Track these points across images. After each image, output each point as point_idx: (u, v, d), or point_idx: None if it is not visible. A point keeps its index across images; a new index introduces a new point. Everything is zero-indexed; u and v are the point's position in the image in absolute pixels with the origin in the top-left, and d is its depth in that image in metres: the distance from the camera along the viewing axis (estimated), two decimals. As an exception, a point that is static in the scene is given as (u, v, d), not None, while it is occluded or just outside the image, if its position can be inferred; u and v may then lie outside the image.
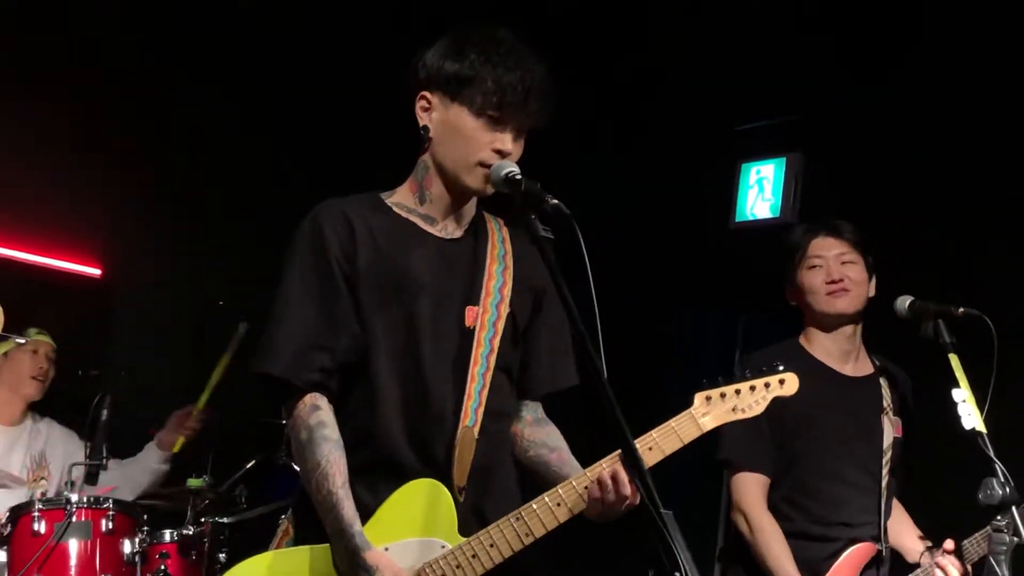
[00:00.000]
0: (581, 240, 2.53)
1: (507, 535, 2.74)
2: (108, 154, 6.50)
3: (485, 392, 2.89)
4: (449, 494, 2.79)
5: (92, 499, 5.05)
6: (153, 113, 6.55)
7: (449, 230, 2.98)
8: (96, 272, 6.80)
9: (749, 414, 2.93)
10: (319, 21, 6.59)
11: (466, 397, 2.86)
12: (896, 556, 4.16)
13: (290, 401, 2.86)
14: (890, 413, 4.15)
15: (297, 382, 2.84)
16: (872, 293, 4.17)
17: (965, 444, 3.58)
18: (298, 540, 2.92)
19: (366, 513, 2.79)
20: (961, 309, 3.69)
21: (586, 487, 2.76)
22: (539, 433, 3.08)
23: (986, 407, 3.44)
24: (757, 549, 3.96)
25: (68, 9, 6.27)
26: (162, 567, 5.12)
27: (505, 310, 2.95)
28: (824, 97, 6.02)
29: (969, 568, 3.95)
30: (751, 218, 6.37)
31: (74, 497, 5.02)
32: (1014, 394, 3.50)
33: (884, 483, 4.09)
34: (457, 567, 2.74)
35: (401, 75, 2.99)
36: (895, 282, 4.07)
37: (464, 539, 2.77)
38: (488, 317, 2.92)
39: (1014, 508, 3.31)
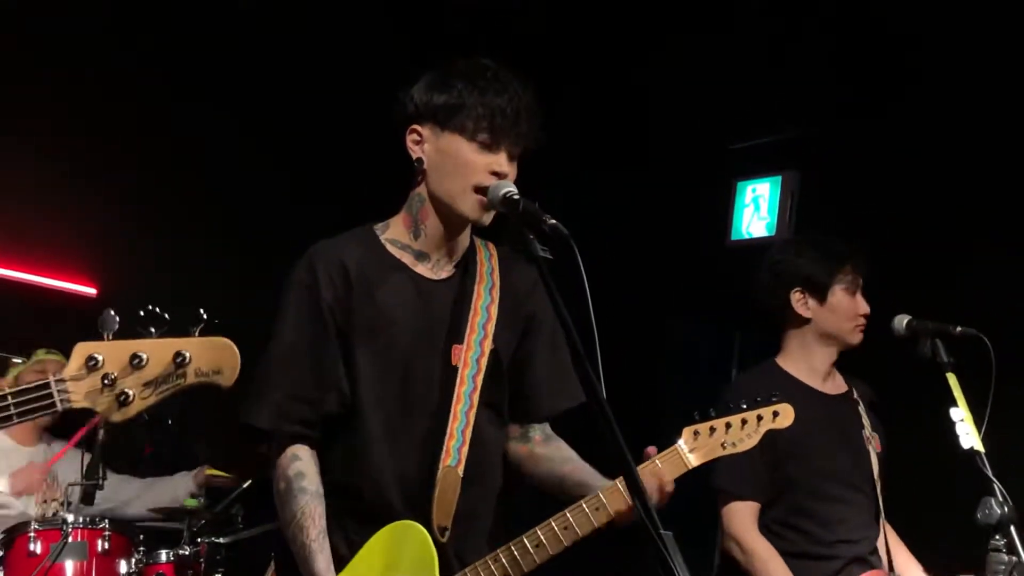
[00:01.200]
0: (579, 260, 2.53)
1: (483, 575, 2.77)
2: (104, 174, 6.50)
3: (469, 431, 2.90)
4: (427, 534, 2.80)
5: (88, 519, 5.04)
6: (149, 134, 6.55)
7: (441, 265, 2.99)
8: (92, 291, 6.79)
9: (740, 448, 2.90)
10: (318, 44, 6.60)
11: (448, 436, 2.87)
12: None
13: (272, 451, 2.89)
14: (868, 429, 4.15)
15: (279, 434, 2.87)
16: None
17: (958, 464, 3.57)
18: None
19: (344, 560, 2.81)
20: (959, 328, 3.69)
21: (565, 527, 2.77)
22: (549, 449, 3.11)
23: (984, 426, 3.44)
24: (755, 572, 3.93)
25: (65, 29, 6.27)
26: (158, 587, 5.11)
27: (489, 346, 2.95)
28: (820, 115, 6.03)
29: None
30: (747, 236, 6.38)
31: (70, 517, 5.01)
32: (1011, 413, 3.49)
33: (879, 498, 4.08)
34: None
35: (391, 103, 3.00)
36: (891, 300, 4.07)
37: None
38: (472, 354, 2.93)
39: (1012, 527, 3.31)
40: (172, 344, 2.24)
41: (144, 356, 2.20)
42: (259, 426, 2.87)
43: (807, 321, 4.11)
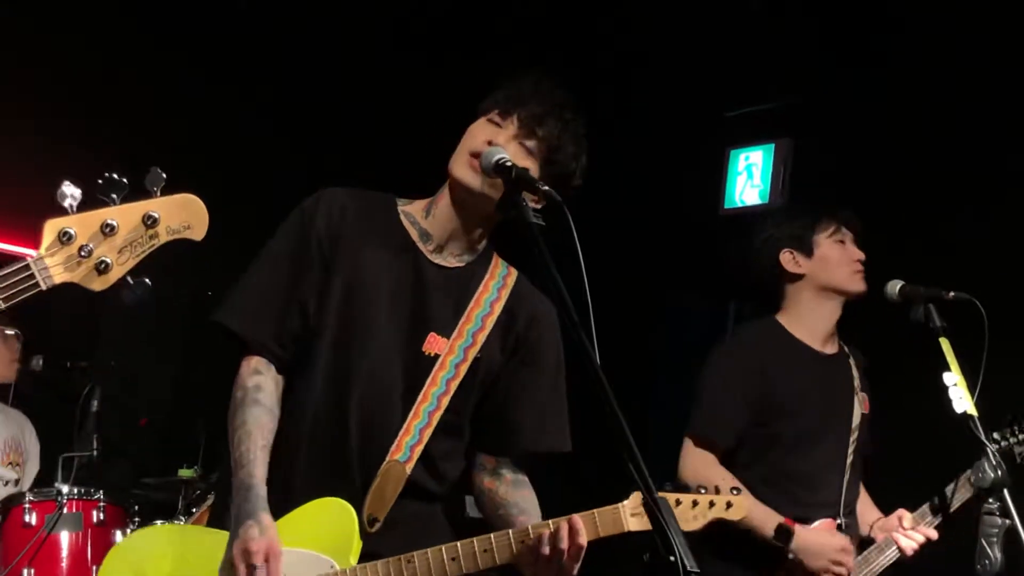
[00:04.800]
0: (573, 226, 2.52)
1: (394, 573, 2.72)
2: (99, 147, 6.48)
3: (428, 431, 2.86)
4: (355, 520, 2.76)
5: (83, 490, 5.05)
6: (144, 107, 6.54)
7: (443, 253, 2.95)
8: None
9: (684, 528, 2.67)
10: (323, 31, 6.58)
11: (403, 431, 2.84)
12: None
13: (240, 360, 2.88)
14: (858, 390, 4.16)
15: (249, 340, 2.86)
16: None
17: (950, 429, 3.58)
18: (210, 521, 2.94)
19: (274, 512, 2.75)
20: (951, 293, 3.69)
21: (485, 550, 2.70)
22: (514, 495, 3.01)
23: (977, 390, 3.45)
24: None
25: (68, 11, 6.25)
26: (154, 558, 5.11)
27: (473, 354, 2.91)
28: (812, 83, 6.02)
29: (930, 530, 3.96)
30: (740, 204, 6.38)
31: (65, 488, 5.02)
32: (1003, 377, 3.50)
33: (849, 460, 4.09)
34: None
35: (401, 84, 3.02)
36: (884, 267, 4.07)
37: (354, 564, 2.74)
38: (452, 358, 2.89)
39: (1005, 490, 3.32)
40: (140, 207, 2.28)
41: (114, 222, 2.22)
42: (229, 326, 2.87)
43: (802, 277, 4.10)
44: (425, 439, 2.85)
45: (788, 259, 4.11)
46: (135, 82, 6.50)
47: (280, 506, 2.76)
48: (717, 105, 6.49)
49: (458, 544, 2.72)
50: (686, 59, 6.37)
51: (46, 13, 6.17)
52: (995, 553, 3.27)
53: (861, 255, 4.07)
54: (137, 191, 2.26)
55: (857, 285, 4.05)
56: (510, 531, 2.73)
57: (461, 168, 2.87)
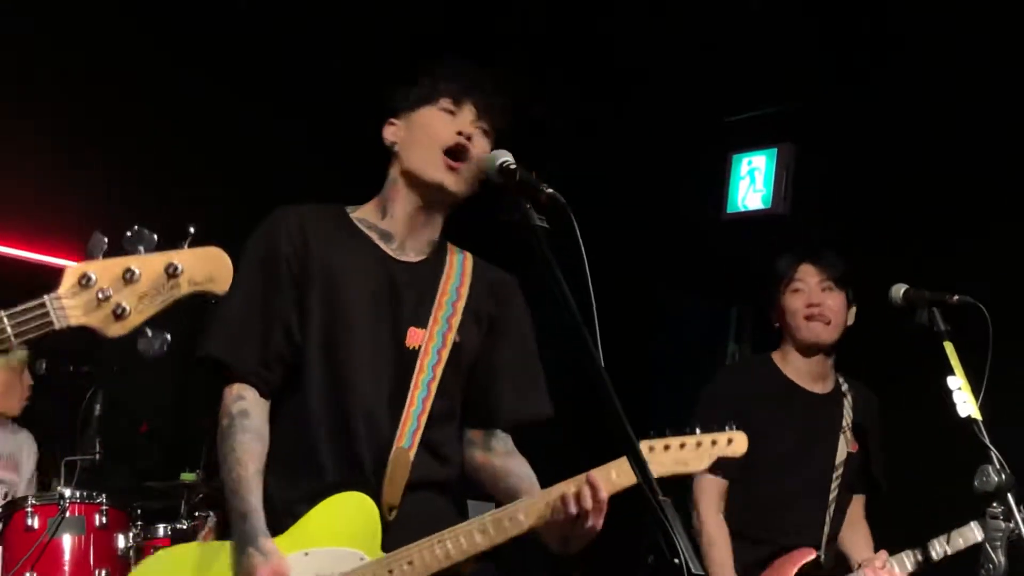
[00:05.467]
0: (577, 229, 2.52)
1: (425, 556, 2.75)
2: (102, 150, 6.49)
3: (424, 417, 2.90)
4: (376, 509, 2.81)
5: (85, 494, 5.05)
6: (148, 108, 6.53)
7: (405, 250, 3.00)
8: (86, 267, 6.76)
9: (690, 469, 2.90)
10: (319, 18, 6.58)
11: (404, 418, 2.88)
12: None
13: (224, 389, 2.89)
14: (847, 430, 4.27)
15: (234, 367, 2.87)
16: (851, 322, 4.26)
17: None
18: (220, 535, 2.94)
19: (286, 512, 2.81)
20: (956, 297, 3.69)
21: (511, 519, 2.76)
22: (510, 464, 3.08)
23: (981, 394, 3.44)
24: (702, 549, 4.04)
25: (65, 6, 6.24)
26: (156, 561, 5.10)
27: (452, 339, 2.95)
28: (815, 87, 6.02)
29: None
30: (743, 209, 6.37)
31: (67, 492, 5.01)
32: (1008, 382, 3.49)
33: (832, 496, 4.21)
34: None
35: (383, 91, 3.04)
36: (887, 270, 4.07)
37: (383, 554, 2.78)
38: (432, 345, 2.93)
39: (1009, 495, 3.32)
40: (164, 256, 2.25)
41: (136, 270, 2.20)
42: (213, 354, 2.88)
43: (787, 327, 4.29)
44: (422, 425, 2.90)
45: (774, 316, 4.34)
46: (136, 82, 6.49)
47: (295, 509, 2.80)
48: (720, 109, 6.49)
49: (486, 517, 2.77)
50: (689, 63, 6.37)
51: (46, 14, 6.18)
52: (999, 557, 3.27)
53: (812, 299, 4.20)
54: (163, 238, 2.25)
55: (809, 332, 4.21)
56: (533, 498, 2.78)
57: (437, 171, 2.91)
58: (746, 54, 6.19)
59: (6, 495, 5.43)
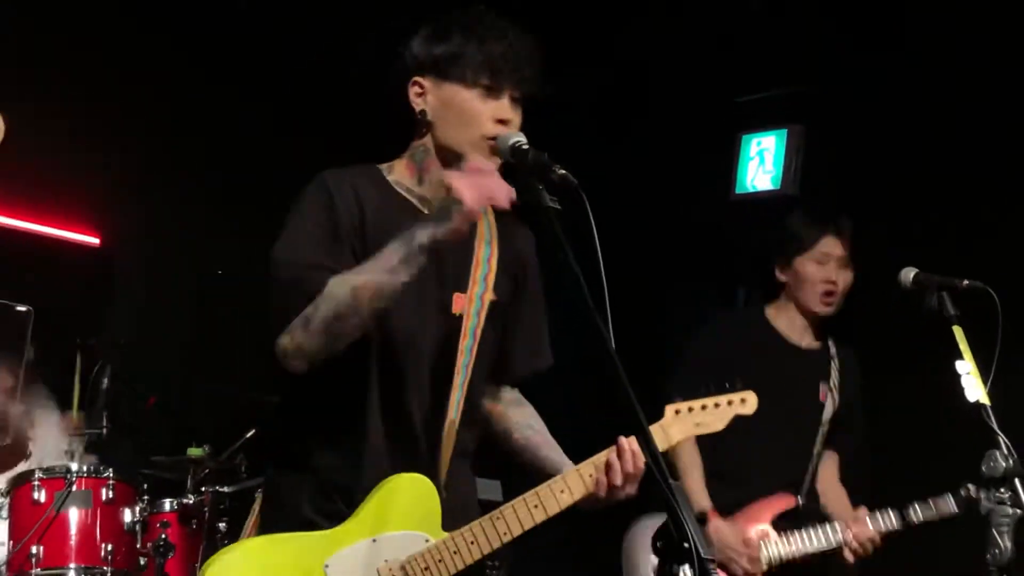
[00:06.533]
0: (589, 209, 2.52)
1: (487, 533, 2.78)
2: (106, 122, 6.47)
3: (467, 384, 2.90)
4: (434, 489, 2.81)
5: (92, 468, 5.06)
6: (151, 80, 6.52)
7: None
8: (94, 241, 6.78)
9: (711, 428, 3.05)
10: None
11: (452, 389, 2.87)
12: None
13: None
14: (835, 388, 4.46)
15: (303, 290, 2.75)
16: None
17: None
18: (264, 527, 2.91)
19: (348, 499, 2.80)
20: (965, 281, 3.68)
21: (562, 491, 2.82)
22: (521, 415, 3.12)
23: (990, 379, 3.43)
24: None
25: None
26: (162, 536, 5.13)
27: (489, 298, 2.94)
28: (825, 68, 6.00)
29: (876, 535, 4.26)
30: (752, 190, 6.36)
31: (74, 466, 5.02)
32: (1017, 367, 3.49)
33: (816, 449, 4.44)
34: (439, 561, 2.76)
35: (387, 64, 2.98)
36: (897, 254, 4.07)
37: (446, 534, 2.79)
38: (474, 307, 2.91)
39: (1017, 480, 3.31)
40: None
41: None
42: (283, 278, 2.76)
43: (795, 290, 4.46)
44: (467, 392, 2.90)
45: (781, 270, 4.49)
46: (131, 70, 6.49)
47: (356, 493, 2.79)
48: (729, 90, 6.46)
49: (536, 491, 2.81)
50: (699, 44, 6.35)
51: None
52: (1006, 543, 3.26)
53: (832, 277, 4.38)
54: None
55: (819, 307, 4.43)
56: (576, 469, 2.85)
57: (481, 155, 2.82)
58: (758, 35, 6.16)
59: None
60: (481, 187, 2.67)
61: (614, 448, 2.83)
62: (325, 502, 2.81)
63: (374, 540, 2.76)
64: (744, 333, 4.52)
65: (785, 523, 4.31)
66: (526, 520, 2.79)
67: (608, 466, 2.81)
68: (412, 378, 2.85)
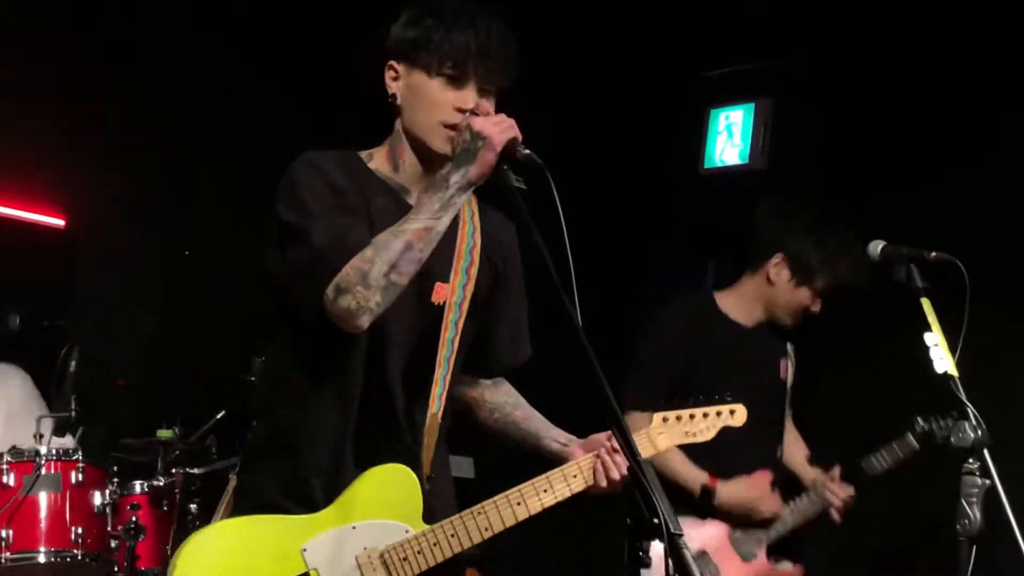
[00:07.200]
0: (554, 190, 2.51)
1: (468, 528, 2.80)
2: (70, 103, 6.42)
3: (449, 376, 2.91)
4: (417, 480, 2.82)
5: (61, 451, 5.03)
6: (115, 60, 6.46)
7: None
8: (60, 222, 6.73)
9: (700, 439, 3.08)
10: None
11: (434, 384, 2.88)
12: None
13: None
14: (790, 355, 4.63)
15: (343, 245, 2.70)
16: None
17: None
18: (242, 506, 2.90)
19: (326, 488, 2.80)
20: (933, 253, 3.69)
21: (545, 489, 2.84)
22: (499, 395, 3.16)
23: (958, 351, 3.45)
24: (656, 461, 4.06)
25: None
26: (133, 518, 5.12)
27: (471, 290, 2.94)
28: (793, 42, 5.99)
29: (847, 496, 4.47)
30: (720, 164, 6.35)
31: (43, 449, 4.99)
32: (984, 337, 3.50)
33: (785, 427, 4.62)
34: (419, 552, 2.78)
35: (368, 47, 2.96)
36: (864, 227, 4.08)
37: (427, 526, 2.81)
38: (455, 299, 2.91)
39: (985, 450, 3.33)
40: None
41: None
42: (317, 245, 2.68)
43: (775, 296, 4.50)
44: (449, 385, 2.91)
45: (776, 264, 4.49)
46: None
47: (336, 482, 2.79)
48: (697, 64, 6.45)
49: (519, 488, 2.83)
50: (665, 18, 6.33)
51: None
52: (975, 513, 3.28)
53: (815, 309, 4.50)
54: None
55: (788, 323, 4.54)
56: (560, 470, 2.88)
57: (439, 141, 2.81)
58: (723, 7, 6.15)
59: None
60: (499, 122, 2.69)
61: (596, 454, 2.89)
62: (301, 489, 2.81)
63: (353, 527, 2.77)
64: (697, 326, 4.53)
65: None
66: (508, 517, 2.81)
67: (593, 471, 2.88)
68: (394, 368, 2.85)
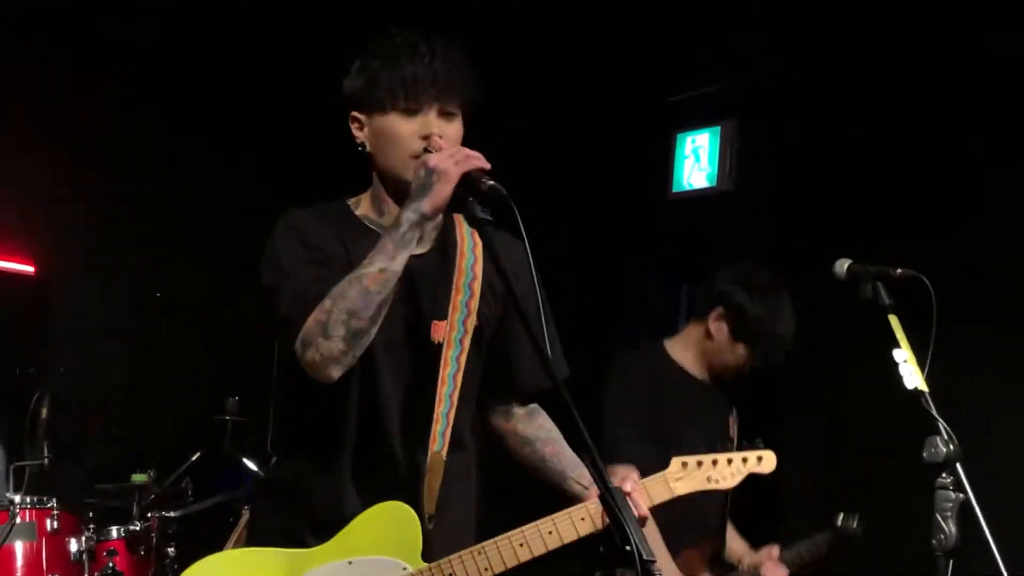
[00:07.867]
0: (520, 222, 2.51)
1: (467, 567, 2.78)
2: (39, 151, 6.41)
3: (452, 413, 2.90)
4: (417, 518, 2.81)
5: (36, 499, 5.00)
6: (84, 109, 6.45)
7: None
8: (30, 269, 6.71)
9: (722, 486, 3.03)
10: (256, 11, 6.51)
11: (434, 421, 2.87)
12: None
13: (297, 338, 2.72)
14: (734, 416, 4.53)
15: (305, 297, 2.72)
16: None
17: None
18: (252, 539, 2.93)
19: (328, 527, 2.80)
20: (899, 270, 3.70)
21: (550, 531, 2.81)
22: (531, 427, 3.14)
23: (927, 366, 3.45)
24: None
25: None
26: (110, 564, 5.09)
27: (472, 324, 2.93)
28: (757, 64, 6.03)
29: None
30: (688, 188, 6.38)
31: (16, 498, 4.96)
32: (953, 352, 3.51)
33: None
34: None
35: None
36: (829, 248, 4.09)
37: (425, 564, 2.80)
38: (455, 334, 2.90)
39: (958, 464, 3.33)
40: None
41: None
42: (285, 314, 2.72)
43: (715, 346, 4.44)
44: (452, 422, 2.90)
45: (716, 318, 4.43)
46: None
47: (335, 520, 2.80)
48: (662, 89, 6.49)
49: (523, 530, 2.80)
50: (631, 43, 6.37)
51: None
52: (950, 527, 3.27)
53: (751, 365, 4.44)
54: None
55: (726, 376, 4.47)
56: (567, 512, 2.83)
57: (413, 175, 2.78)
58: (687, 32, 6.18)
59: None
60: (453, 154, 2.69)
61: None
62: (304, 527, 2.83)
63: (350, 562, 2.78)
64: (656, 374, 4.45)
65: (718, 568, 4.38)
66: (509, 558, 2.79)
67: (602, 516, 2.78)
68: (389, 409, 2.85)
